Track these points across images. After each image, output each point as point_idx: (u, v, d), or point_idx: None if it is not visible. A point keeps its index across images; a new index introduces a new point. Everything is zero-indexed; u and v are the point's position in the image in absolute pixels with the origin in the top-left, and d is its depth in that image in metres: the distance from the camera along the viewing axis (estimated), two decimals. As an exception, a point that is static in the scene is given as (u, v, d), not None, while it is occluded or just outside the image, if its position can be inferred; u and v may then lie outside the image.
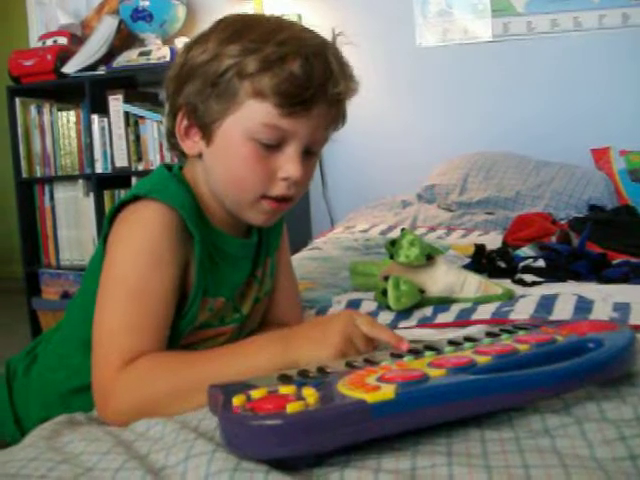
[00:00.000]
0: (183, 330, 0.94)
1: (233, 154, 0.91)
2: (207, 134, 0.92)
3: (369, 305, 1.26)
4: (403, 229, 1.29)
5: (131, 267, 0.87)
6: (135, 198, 0.91)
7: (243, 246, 1.03)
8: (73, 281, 3.04)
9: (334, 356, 0.78)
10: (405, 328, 1.11)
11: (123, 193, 3.04)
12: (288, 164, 0.91)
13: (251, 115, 0.88)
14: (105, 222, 0.94)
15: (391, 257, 1.26)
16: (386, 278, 1.20)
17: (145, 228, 0.89)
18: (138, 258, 0.87)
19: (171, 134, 0.98)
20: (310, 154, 0.94)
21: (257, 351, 0.82)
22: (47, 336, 1.10)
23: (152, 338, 0.85)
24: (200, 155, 0.95)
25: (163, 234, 0.88)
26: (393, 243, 1.26)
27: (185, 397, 0.78)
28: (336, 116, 0.95)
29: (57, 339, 1.06)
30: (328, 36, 0.95)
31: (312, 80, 0.87)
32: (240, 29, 0.90)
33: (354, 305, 1.26)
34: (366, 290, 1.36)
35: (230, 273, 1.00)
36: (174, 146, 0.99)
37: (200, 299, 0.94)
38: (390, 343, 0.80)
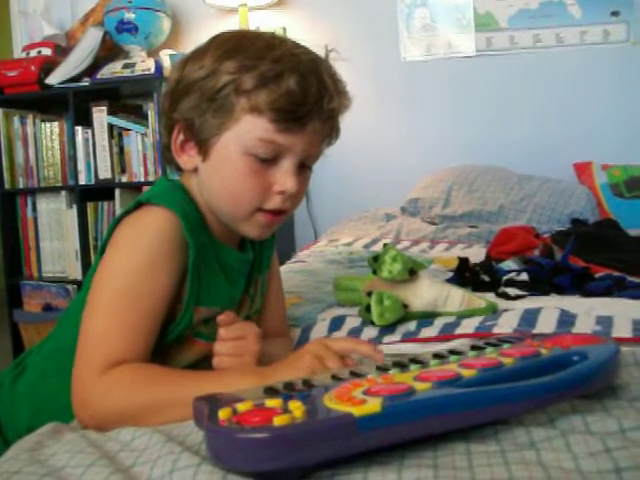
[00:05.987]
0: (174, 337, 0.94)
1: (230, 168, 0.92)
2: (203, 149, 0.94)
3: (353, 321, 1.26)
4: (385, 244, 1.29)
5: (123, 271, 0.88)
6: (138, 206, 0.92)
7: (240, 260, 1.04)
8: (55, 293, 3.02)
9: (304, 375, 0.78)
10: (389, 343, 1.11)
11: (107, 205, 3.03)
12: (284, 178, 0.92)
13: (248, 130, 0.90)
14: (107, 232, 0.94)
15: (374, 272, 1.26)
16: (369, 294, 1.20)
17: (144, 232, 0.90)
18: (131, 263, 0.88)
19: (167, 148, 0.99)
20: (304, 168, 0.97)
21: (235, 376, 0.82)
22: (37, 348, 1.09)
23: (137, 344, 0.85)
24: (195, 169, 0.97)
25: (162, 240, 0.89)
26: (376, 258, 1.26)
27: (164, 411, 0.78)
28: (330, 131, 0.98)
29: (48, 348, 1.05)
30: (320, 52, 0.97)
31: (307, 96, 0.89)
32: (236, 46, 0.92)
33: (338, 322, 1.26)
34: (350, 305, 1.36)
35: (227, 286, 1.01)
36: (169, 160, 1.01)
37: (193, 307, 0.94)
38: (369, 355, 0.84)
